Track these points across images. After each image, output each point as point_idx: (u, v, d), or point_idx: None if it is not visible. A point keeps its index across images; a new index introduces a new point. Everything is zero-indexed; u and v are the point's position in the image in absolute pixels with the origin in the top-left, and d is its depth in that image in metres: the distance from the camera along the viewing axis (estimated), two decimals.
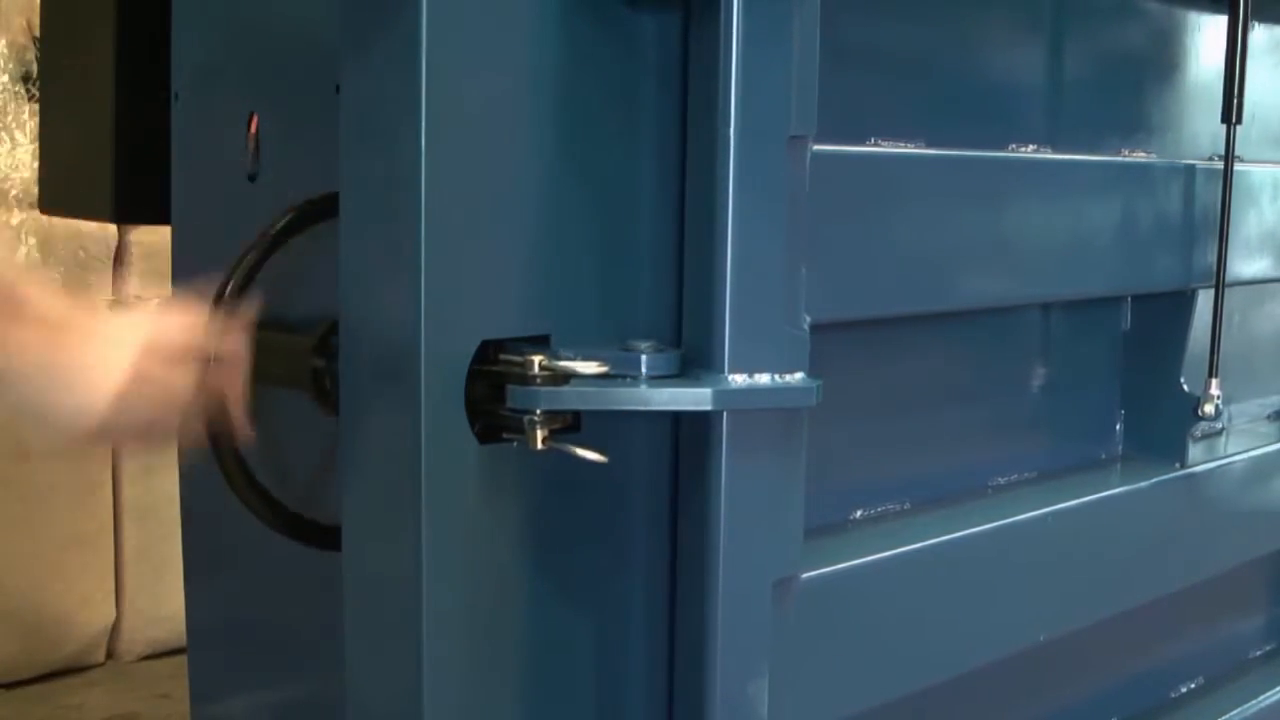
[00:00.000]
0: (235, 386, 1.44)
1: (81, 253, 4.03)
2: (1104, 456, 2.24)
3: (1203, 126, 2.22)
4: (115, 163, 2.01)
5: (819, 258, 1.49)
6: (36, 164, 2.43)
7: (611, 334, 1.47)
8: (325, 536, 1.60)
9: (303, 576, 1.72)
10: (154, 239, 3.90)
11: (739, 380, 1.43)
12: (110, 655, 4.22)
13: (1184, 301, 2.19)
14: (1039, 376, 2.12)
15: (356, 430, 1.46)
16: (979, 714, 2.01)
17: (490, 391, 1.40)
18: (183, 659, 2.17)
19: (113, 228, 4.04)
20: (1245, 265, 2.26)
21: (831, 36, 1.45)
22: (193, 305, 1.46)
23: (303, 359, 1.60)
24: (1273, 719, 2.44)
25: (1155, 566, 2.19)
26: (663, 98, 1.52)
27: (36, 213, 3.64)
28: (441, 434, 1.38)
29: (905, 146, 1.76)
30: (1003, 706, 2.05)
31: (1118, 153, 2.12)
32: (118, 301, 1.93)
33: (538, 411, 1.38)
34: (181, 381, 1.36)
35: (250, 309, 1.51)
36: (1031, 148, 1.96)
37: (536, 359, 1.38)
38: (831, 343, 1.56)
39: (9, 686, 3.95)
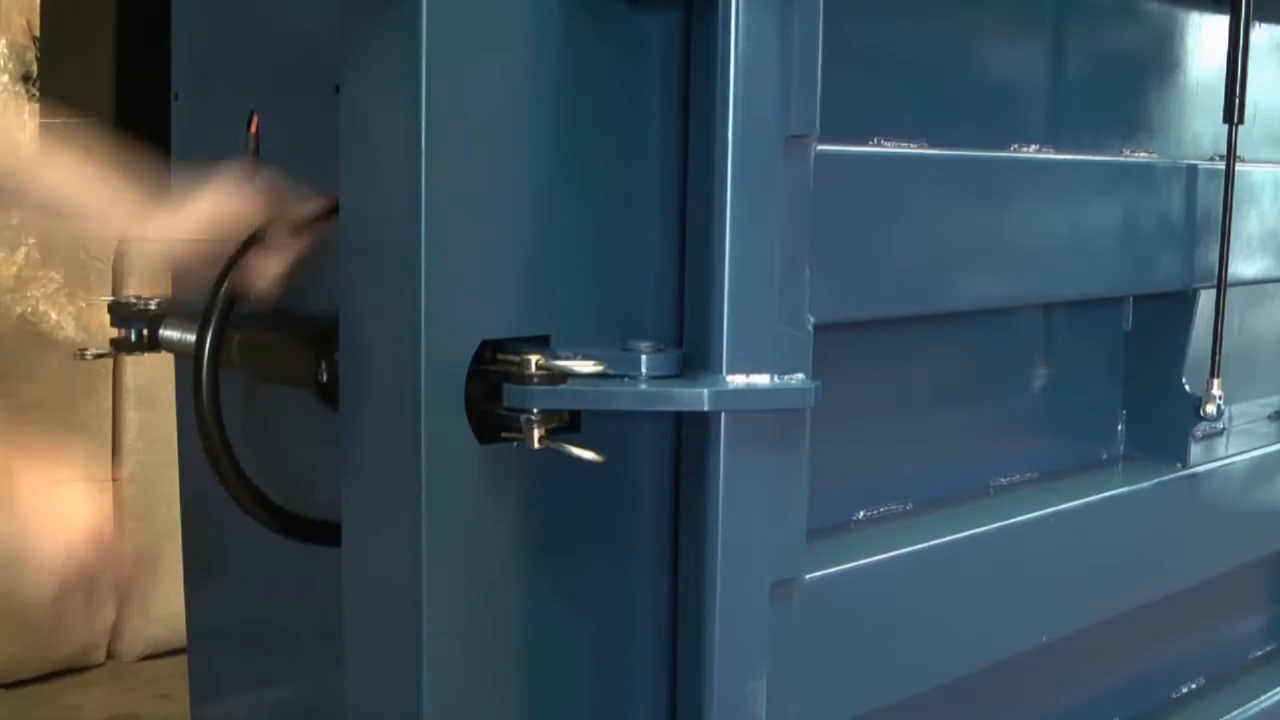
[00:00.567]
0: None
1: (81, 253, 4.02)
2: (1106, 457, 2.24)
3: (1204, 127, 2.21)
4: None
5: (821, 258, 1.49)
6: None
7: (613, 334, 1.47)
8: (316, 532, 1.60)
9: (303, 577, 1.72)
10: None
11: (737, 381, 1.42)
12: (110, 655, 4.21)
13: (1186, 301, 2.19)
14: (1041, 377, 2.12)
15: (356, 429, 1.46)
16: (980, 714, 2.01)
17: (490, 391, 1.40)
18: (183, 659, 2.17)
19: None
20: (1247, 265, 2.26)
21: (833, 37, 1.45)
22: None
23: (303, 358, 1.60)
24: (1273, 719, 2.44)
25: (1157, 567, 2.18)
26: (664, 97, 1.51)
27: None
28: (441, 434, 1.38)
29: (907, 146, 1.76)
30: (1004, 707, 2.05)
31: (1119, 153, 2.11)
32: (118, 301, 1.95)
33: (535, 411, 1.38)
34: None
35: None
36: (1034, 148, 1.96)
37: (533, 358, 1.38)
38: (834, 343, 1.56)
39: (9, 686, 3.94)
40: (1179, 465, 2.19)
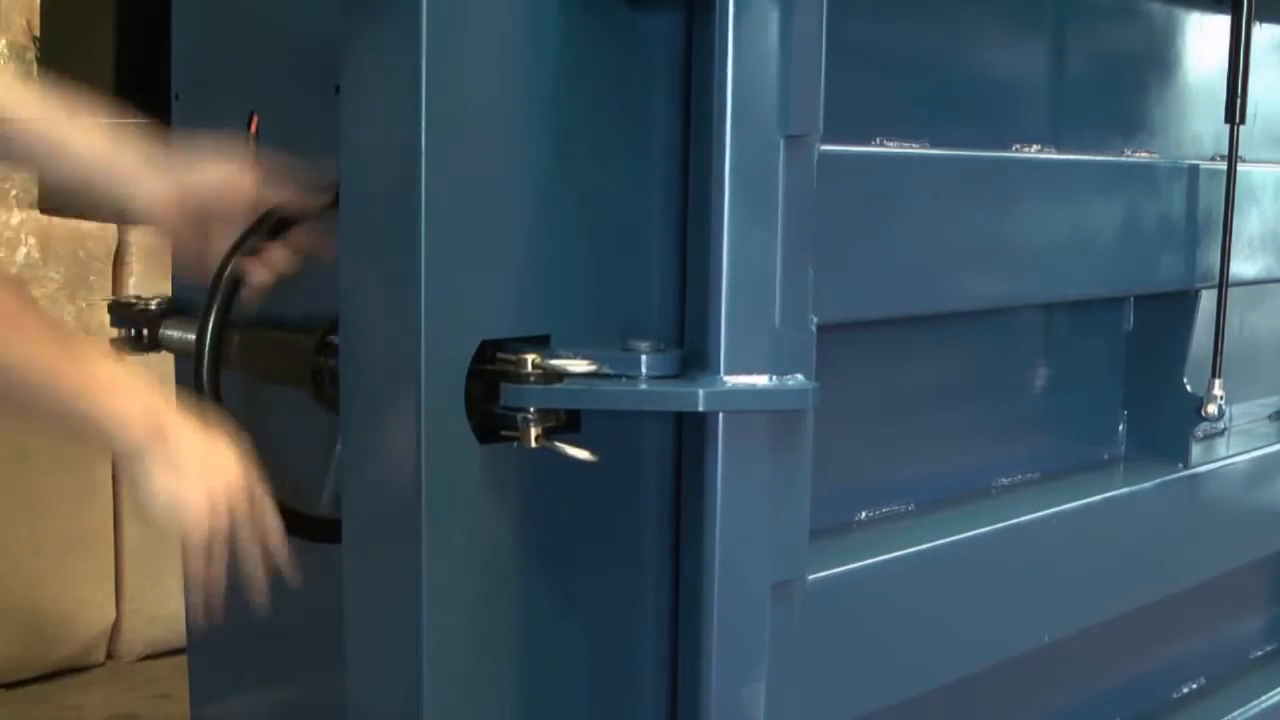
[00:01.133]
0: None
1: (81, 253, 4.02)
2: (1107, 457, 2.24)
3: (1205, 127, 2.21)
4: None
5: (822, 258, 1.48)
6: None
7: (615, 334, 1.46)
8: (319, 529, 1.60)
9: (303, 576, 1.72)
10: (154, 239, 3.89)
11: (736, 382, 1.42)
12: (110, 655, 4.21)
13: (1187, 302, 2.19)
14: (1042, 377, 2.12)
15: (357, 429, 1.46)
16: (981, 715, 2.01)
17: (489, 391, 1.40)
18: (183, 659, 2.17)
19: (112, 227, 4.03)
20: (1248, 265, 2.26)
21: (835, 37, 1.45)
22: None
23: (303, 357, 1.60)
24: (1274, 719, 2.44)
25: (1158, 567, 2.18)
26: (665, 98, 1.51)
27: (36, 213, 3.65)
28: (441, 433, 1.38)
29: (909, 146, 1.75)
30: (1005, 707, 2.05)
31: (1121, 153, 2.11)
32: (117, 301, 1.94)
33: (531, 410, 1.38)
34: None
35: None
36: (1035, 148, 1.96)
37: (530, 358, 1.38)
38: (835, 344, 1.56)
39: (9, 686, 3.94)
40: (1180, 465, 2.19)
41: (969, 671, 1.87)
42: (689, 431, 1.51)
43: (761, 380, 1.43)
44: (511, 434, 1.40)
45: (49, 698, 3.95)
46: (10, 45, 4.04)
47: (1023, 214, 1.90)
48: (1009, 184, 1.88)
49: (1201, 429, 2.22)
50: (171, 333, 1.85)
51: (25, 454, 3.85)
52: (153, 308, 1.88)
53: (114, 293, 4.10)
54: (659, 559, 1.57)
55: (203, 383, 1.56)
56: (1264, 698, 2.45)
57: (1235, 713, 2.39)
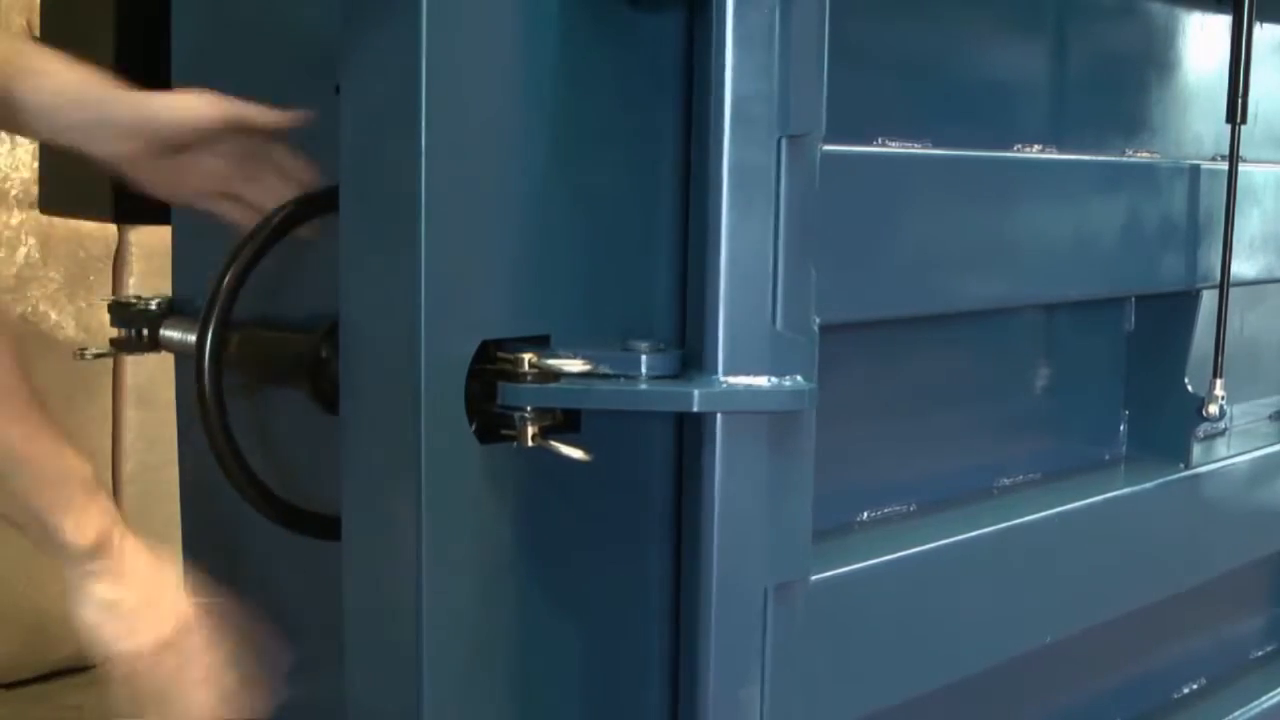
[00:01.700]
0: None
1: (81, 253, 4.02)
2: (1108, 457, 2.24)
3: (1206, 127, 2.21)
4: None
5: (824, 258, 1.48)
6: (36, 164, 2.42)
7: (617, 334, 1.46)
8: (319, 525, 1.60)
9: (303, 576, 1.72)
10: (154, 239, 3.90)
11: (733, 382, 1.41)
12: None
13: (1188, 302, 2.19)
14: (1043, 377, 2.12)
15: (357, 429, 1.46)
16: (982, 715, 2.01)
17: (489, 391, 1.40)
18: None
19: (112, 228, 4.04)
20: (1249, 265, 2.26)
21: (835, 37, 1.44)
22: None
23: (302, 358, 1.60)
24: (1275, 719, 2.44)
25: (1160, 567, 2.18)
26: (664, 97, 1.51)
27: (36, 213, 3.64)
28: (441, 433, 1.37)
29: (910, 146, 1.75)
30: (1006, 707, 2.05)
31: (1122, 153, 2.11)
32: (117, 301, 1.94)
33: (528, 409, 1.38)
34: None
35: None
36: (1036, 148, 1.96)
37: (526, 357, 1.38)
38: (836, 344, 1.56)
39: (9, 686, 3.94)
40: (1181, 466, 2.19)
41: (971, 672, 1.87)
42: (689, 432, 1.51)
43: (760, 381, 1.42)
44: (510, 433, 1.40)
45: (49, 698, 3.95)
46: None
47: (1024, 214, 1.90)
48: (1010, 184, 1.88)
49: (1203, 429, 2.22)
50: (171, 333, 1.85)
51: None
52: (153, 308, 1.88)
53: (114, 293, 4.10)
54: (661, 560, 1.57)
55: (203, 383, 1.56)
56: (1265, 698, 2.45)
57: (1236, 713, 2.39)
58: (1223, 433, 2.39)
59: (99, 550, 1.34)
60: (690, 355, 1.45)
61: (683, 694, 1.54)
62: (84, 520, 1.32)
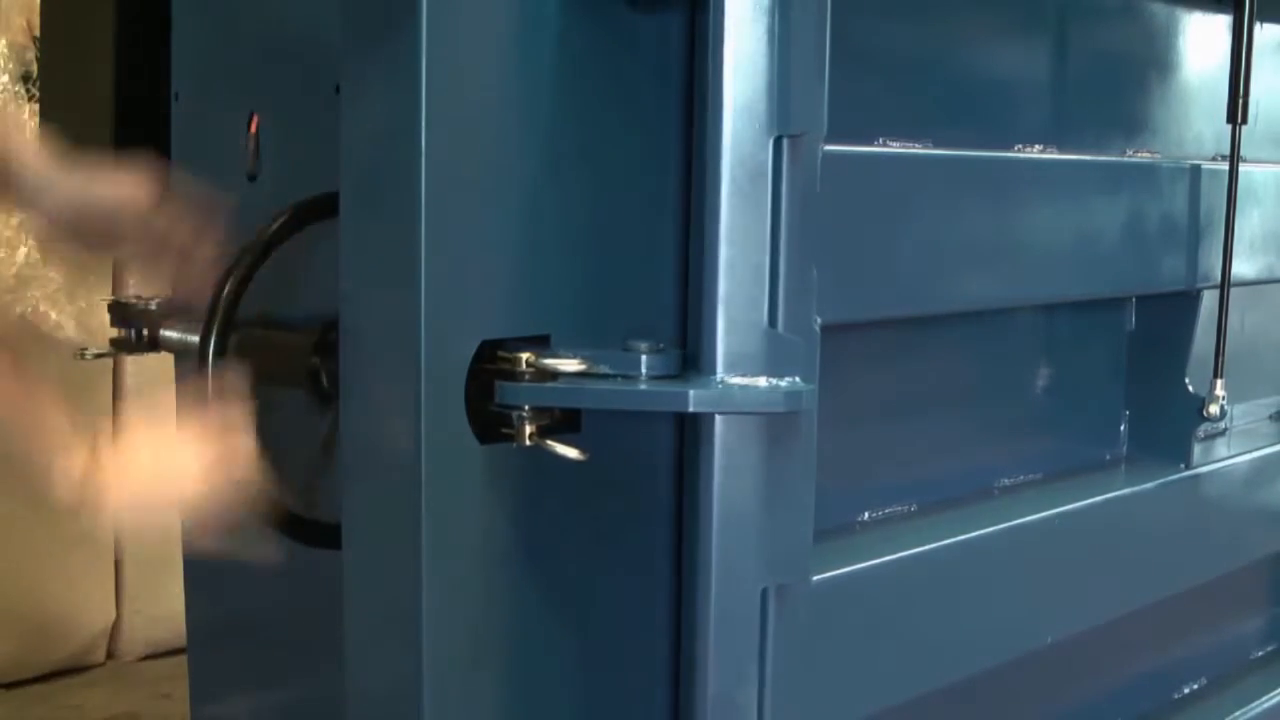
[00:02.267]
0: None
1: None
2: (1109, 458, 2.24)
3: (1206, 127, 2.21)
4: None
5: (825, 259, 1.48)
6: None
7: (618, 334, 1.46)
8: (322, 535, 1.60)
9: (303, 576, 1.72)
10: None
11: (732, 383, 1.41)
12: (110, 655, 4.21)
13: (1189, 302, 2.19)
14: (1044, 378, 2.11)
15: (356, 430, 1.46)
16: (982, 715, 2.01)
17: (489, 391, 1.40)
18: (183, 659, 2.17)
19: None
20: (1250, 265, 2.25)
21: (837, 37, 1.44)
22: None
23: (301, 358, 1.60)
24: (1275, 719, 2.44)
25: (1160, 567, 2.18)
26: (665, 97, 1.51)
27: None
28: (441, 433, 1.37)
29: (911, 147, 1.75)
30: (1007, 708, 2.05)
31: (1123, 153, 2.11)
32: (117, 301, 1.94)
33: (525, 408, 1.37)
34: None
35: None
36: (1037, 148, 1.96)
37: (524, 356, 1.37)
38: (837, 344, 1.55)
39: (9, 686, 3.94)
40: (1182, 466, 2.19)
41: (972, 672, 1.87)
42: (689, 433, 1.51)
43: (759, 382, 1.42)
44: (510, 432, 1.40)
45: (49, 698, 3.95)
46: (10, 45, 4.03)
47: (1025, 214, 1.89)
48: (1011, 184, 1.88)
49: (1203, 429, 2.21)
50: (171, 333, 1.85)
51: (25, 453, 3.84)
52: (153, 308, 1.88)
53: (114, 293, 4.10)
54: (662, 560, 1.56)
55: (203, 383, 1.56)
56: (1265, 698, 2.45)
57: (1236, 713, 2.39)
58: (1223, 433, 2.38)
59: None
60: (690, 356, 1.45)
61: (683, 694, 1.54)
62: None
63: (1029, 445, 2.09)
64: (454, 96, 1.35)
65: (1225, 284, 2.11)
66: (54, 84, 2.21)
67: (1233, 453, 2.34)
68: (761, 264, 1.42)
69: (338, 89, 1.43)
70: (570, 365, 1.39)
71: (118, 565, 4.17)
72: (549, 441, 1.39)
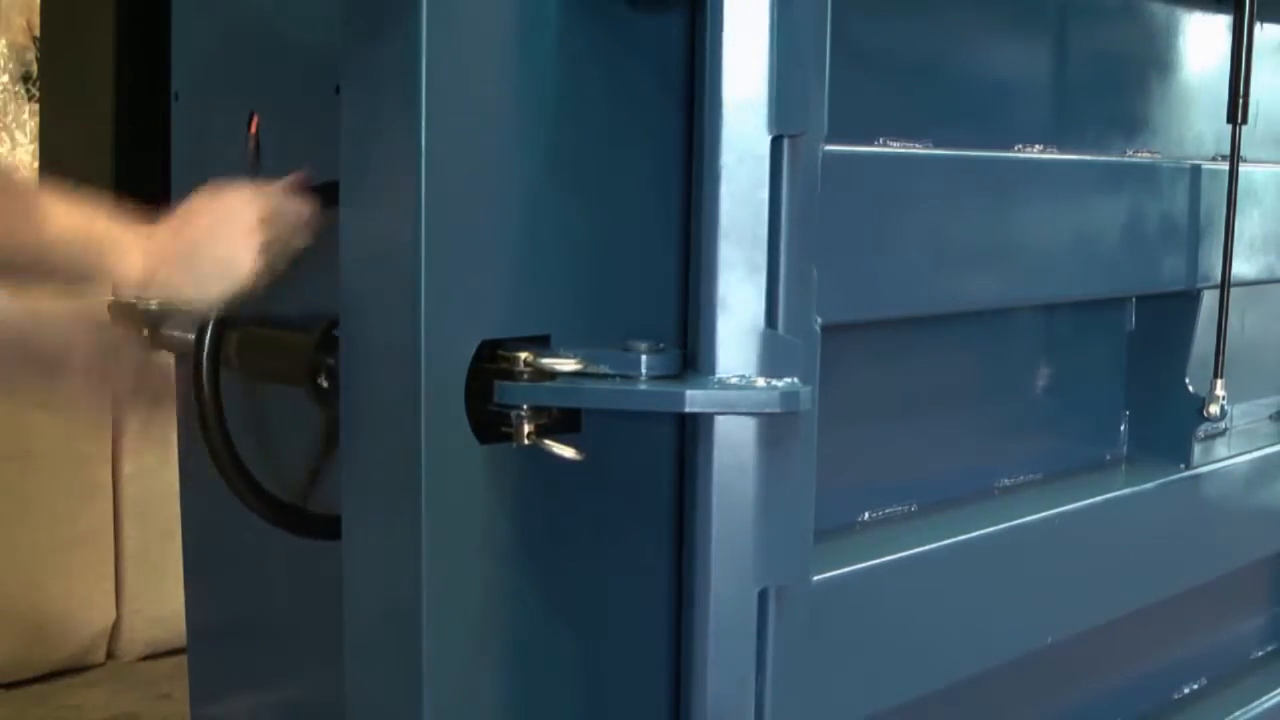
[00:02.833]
0: None
1: None
2: (1109, 458, 2.24)
3: (1207, 126, 2.21)
4: (115, 162, 2.00)
5: (825, 259, 1.48)
6: (36, 164, 2.42)
7: (619, 334, 1.46)
8: (314, 524, 1.60)
9: (303, 577, 1.72)
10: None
11: (730, 383, 1.41)
12: (110, 655, 4.21)
13: (1189, 302, 2.19)
14: (1045, 378, 2.11)
15: (357, 429, 1.46)
16: (984, 715, 2.01)
17: (489, 391, 1.40)
18: (183, 659, 2.17)
19: None
20: (1250, 265, 2.25)
21: (837, 37, 1.44)
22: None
23: (301, 357, 1.60)
24: (1275, 719, 2.44)
25: (1161, 567, 2.18)
26: (664, 98, 1.51)
27: None
28: (441, 433, 1.37)
29: (911, 146, 1.75)
30: (1007, 708, 2.05)
31: (1123, 153, 2.11)
32: (117, 301, 1.94)
33: (524, 407, 1.38)
34: None
35: None
36: (1037, 148, 1.96)
37: (523, 356, 1.38)
38: (838, 344, 1.55)
39: (9, 686, 3.94)
40: (1182, 466, 2.19)
41: (972, 672, 1.87)
42: (689, 433, 1.51)
43: (757, 383, 1.41)
44: (509, 432, 1.40)
45: (49, 698, 3.95)
46: (10, 45, 4.04)
47: (1025, 214, 1.89)
48: (1011, 184, 1.88)
49: (1203, 429, 2.21)
50: (171, 333, 1.85)
51: (25, 454, 3.85)
52: (153, 308, 1.88)
53: (114, 292, 4.09)
54: (662, 560, 1.56)
55: (203, 383, 1.56)
56: (1265, 698, 2.45)
57: (1236, 713, 2.39)
58: (1223, 433, 2.38)
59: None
60: (690, 356, 1.45)
61: (682, 694, 1.54)
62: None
63: (1029, 445, 2.09)
64: (454, 96, 1.35)
65: (1225, 284, 2.11)
66: (54, 84, 2.21)
67: (1233, 453, 2.33)
68: (761, 264, 1.42)
69: (338, 89, 1.43)
70: (567, 365, 1.39)
71: (118, 565, 4.17)
72: (546, 441, 1.39)
